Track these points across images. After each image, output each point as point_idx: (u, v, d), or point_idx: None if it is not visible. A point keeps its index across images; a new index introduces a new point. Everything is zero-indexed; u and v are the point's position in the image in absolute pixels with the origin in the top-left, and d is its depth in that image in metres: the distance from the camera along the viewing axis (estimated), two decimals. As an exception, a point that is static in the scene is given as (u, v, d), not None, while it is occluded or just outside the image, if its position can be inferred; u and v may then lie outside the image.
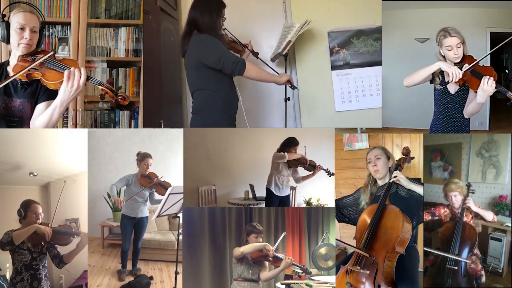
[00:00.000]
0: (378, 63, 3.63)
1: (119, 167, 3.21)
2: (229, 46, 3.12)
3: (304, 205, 3.50)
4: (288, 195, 3.33)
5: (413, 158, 2.49)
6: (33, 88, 2.39)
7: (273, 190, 3.22)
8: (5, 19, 2.36)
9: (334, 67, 3.69)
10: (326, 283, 2.81)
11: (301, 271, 2.69)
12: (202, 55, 2.78)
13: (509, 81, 6.66)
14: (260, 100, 3.76)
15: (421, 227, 2.66)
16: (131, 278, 2.95)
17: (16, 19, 2.33)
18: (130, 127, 3.73)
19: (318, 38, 3.66)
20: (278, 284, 2.80)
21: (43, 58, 2.32)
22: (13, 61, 2.40)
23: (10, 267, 2.49)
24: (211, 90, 2.84)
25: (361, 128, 3.74)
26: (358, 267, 2.20)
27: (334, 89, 3.70)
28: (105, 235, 3.36)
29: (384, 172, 2.44)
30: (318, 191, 3.47)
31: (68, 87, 2.26)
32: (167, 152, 3.01)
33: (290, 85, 3.10)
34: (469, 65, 2.53)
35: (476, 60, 2.55)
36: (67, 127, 3.56)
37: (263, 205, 3.38)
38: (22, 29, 2.33)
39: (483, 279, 2.58)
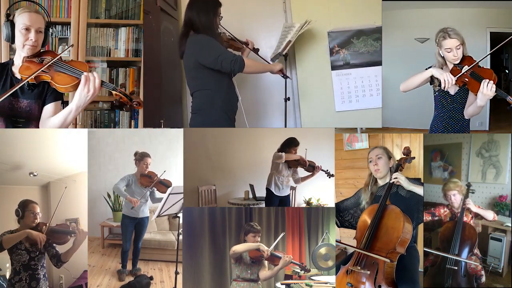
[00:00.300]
0: (378, 63, 3.63)
1: (119, 167, 3.21)
2: (228, 44, 3.12)
3: (304, 205, 3.51)
4: (288, 195, 3.33)
5: (413, 158, 2.49)
6: (40, 89, 2.36)
7: (273, 190, 3.22)
8: (10, 18, 2.31)
9: (334, 67, 3.69)
10: (326, 283, 2.81)
11: (299, 269, 2.69)
12: (200, 55, 2.77)
13: (509, 81, 6.66)
14: (260, 100, 3.76)
15: (421, 227, 2.66)
16: (131, 278, 2.95)
17: (21, 19, 2.28)
18: (130, 127, 3.73)
19: (318, 38, 3.67)
20: (278, 284, 2.80)
21: (51, 62, 2.29)
22: (17, 61, 2.36)
23: (10, 267, 2.48)
24: (211, 90, 2.83)
25: (361, 128, 3.74)
26: (359, 267, 2.20)
27: (334, 89, 3.70)
28: (105, 235, 3.37)
29: (385, 172, 2.44)
30: (318, 191, 3.48)
31: (84, 92, 2.25)
32: (167, 152, 3.02)
33: (282, 74, 3.12)
34: (468, 66, 2.52)
35: (475, 61, 2.53)
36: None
37: (263, 205, 3.39)
38: (27, 30, 2.29)
39: (483, 279, 2.58)
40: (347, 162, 3.31)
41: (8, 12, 2.34)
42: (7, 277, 2.52)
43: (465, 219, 2.60)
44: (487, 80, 2.43)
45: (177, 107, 3.76)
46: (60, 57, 2.35)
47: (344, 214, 2.60)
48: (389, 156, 2.47)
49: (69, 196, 2.72)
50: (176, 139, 2.89)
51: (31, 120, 2.37)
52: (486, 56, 2.62)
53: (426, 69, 2.74)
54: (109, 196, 3.26)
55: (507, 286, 2.64)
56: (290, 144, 3.19)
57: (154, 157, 3.05)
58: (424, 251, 2.63)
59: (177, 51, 2.96)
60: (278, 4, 3.71)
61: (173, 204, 2.71)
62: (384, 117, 3.68)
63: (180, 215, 2.77)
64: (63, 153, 2.76)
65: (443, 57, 2.64)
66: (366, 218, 2.33)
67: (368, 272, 2.17)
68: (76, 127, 3.56)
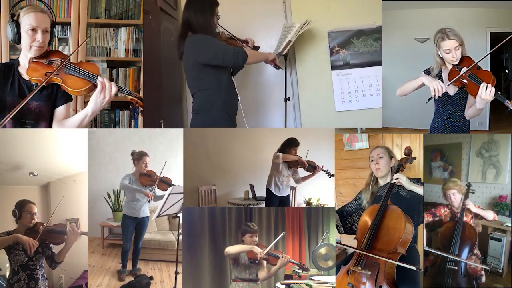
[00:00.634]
0: (378, 63, 3.63)
1: (119, 167, 3.21)
2: (227, 43, 3.11)
3: (304, 205, 3.51)
4: (288, 195, 3.33)
5: (415, 158, 2.48)
6: (49, 91, 2.34)
7: (273, 191, 3.22)
8: (15, 18, 2.25)
9: (334, 67, 3.69)
10: (326, 283, 2.81)
11: (298, 268, 2.69)
12: (199, 54, 2.77)
13: (509, 81, 6.65)
14: (260, 100, 3.76)
15: (421, 227, 2.66)
16: (131, 278, 2.95)
17: (28, 20, 2.22)
18: (130, 127, 3.73)
19: (318, 38, 3.66)
20: (278, 284, 2.80)
21: (62, 64, 2.25)
22: (23, 61, 2.32)
23: (9, 267, 2.48)
24: (211, 90, 2.83)
25: (361, 128, 3.74)
26: (360, 268, 2.20)
27: (334, 89, 3.70)
28: (105, 235, 3.36)
29: (386, 171, 2.44)
30: (318, 191, 3.48)
31: (100, 98, 2.24)
32: (167, 152, 3.01)
33: (274, 65, 3.14)
34: (467, 68, 2.50)
35: (474, 62, 2.52)
36: (67, 127, 3.56)
37: (263, 205, 3.39)
38: (34, 30, 2.23)
39: (483, 279, 2.57)
40: (347, 162, 3.31)
41: (12, 12, 2.27)
42: (7, 277, 2.52)
43: (465, 219, 2.60)
44: (486, 84, 2.41)
45: (177, 107, 3.76)
46: (69, 58, 2.31)
47: (347, 219, 2.58)
48: (391, 156, 2.46)
49: (69, 196, 2.72)
50: (176, 139, 2.89)
51: (41, 121, 2.35)
52: (485, 57, 2.60)
53: (424, 71, 2.75)
54: (109, 196, 3.26)
55: (507, 286, 2.64)
56: (290, 145, 3.19)
57: (154, 157, 3.05)
58: (424, 251, 2.63)
59: (177, 51, 2.96)
60: (278, 4, 3.71)
61: (173, 204, 2.71)
62: (384, 117, 3.67)
63: (180, 215, 2.77)
64: (63, 153, 2.76)
65: (441, 58, 2.63)
66: (366, 218, 2.33)
67: (369, 273, 2.17)
68: (76, 127, 3.56)
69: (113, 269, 3.06)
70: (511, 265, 2.67)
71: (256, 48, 3.24)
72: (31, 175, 2.78)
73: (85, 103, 3.62)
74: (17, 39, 2.27)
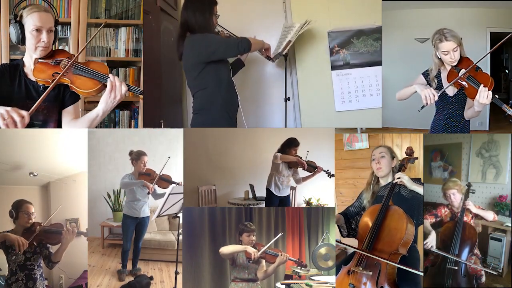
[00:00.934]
0: (378, 63, 3.63)
1: (119, 167, 3.21)
2: None
3: (304, 205, 3.51)
4: (288, 195, 3.33)
5: (416, 158, 2.47)
6: (56, 91, 2.30)
7: (273, 191, 3.22)
8: (18, 19, 2.20)
9: (334, 67, 3.69)
10: (326, 283, 2.81)
11: (296, 265, 2.69)
12: (200, 52, 2.76)
13: (509, 81, 6.65)
14: (260, 100, 3.76)
15: (421, 227, 2.66)
16: (131, 278, 2.95)
17: (32, 20, 2.17)
18: (130, 127, 3.73)
19: (318, 38, 3.66)
20: (278, 284, 2.80)
21: (70, 65, 2.20)
22: (28, 62, 2.28)
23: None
24: (211, 88, 2.82)
25: (361, 128, 3.74)
26: (361, 268, 2.19)
27: (334, 89, 3.70)
28: (105, 235, 3.37)
29: (387, 171, 2.42)
30: (318, 191, 3.48)
31: (111, 98, 2.19)
32: (167, 152, 3.01)
33: (266, 56, 3.16)
34: (465, 69, 2.49)
35: (473, 62, 2.50)
36: (67, 127, 3.56)
37: (263, 205, 3.39)
38: (39, 31, 2.18)
39: (483, 279, 2.57)
40: (347, 162, 3.31)
41: (14, 12, 2.22)
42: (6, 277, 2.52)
43: (465, 219, 2.60)
44: (484, 88, 2.39)
45: (177, 107, 3.76)
46: (77, 58, 2.27)
47: (351, 221, 2.55)
48: (392, 156, 2.44)
49: (69, 196, 2.73)
50: (176, 139, 2.89)
51: (49, 122, 2.32)
52: (483, 57, 2.59)
53: (423, 73, 2.74)
54: (109, 196, 3.26)
55: (507, 286, 2.64)
56: (290, 145, 3.19)
57: (154, 157, 3.05)
58: (424, 251, 2.63)
59: (176, 51, 2.96)
60: (278, 4, 3.71)
61: (173, 204, 2.71)
62: (384, 117, 3.67)
63: (180, 215, 2.77)
64: (63, 153, 2.76)
65: (440, 59, 2.63)
66: (367, 219, 2.32)
67: (370, 273, 2.16)
68: (76, 127, 3.55)
69: (113, 269, 3.06)
70: (511, 265, 2.67)
71: None
72: (31, 175, 2.78)
73: (86, 103, 3.63)
74: (21, 40, 2.22)
